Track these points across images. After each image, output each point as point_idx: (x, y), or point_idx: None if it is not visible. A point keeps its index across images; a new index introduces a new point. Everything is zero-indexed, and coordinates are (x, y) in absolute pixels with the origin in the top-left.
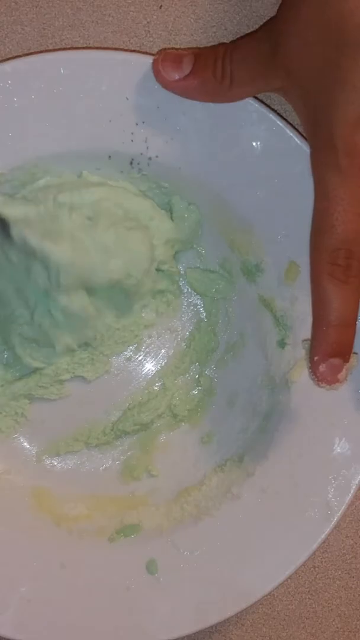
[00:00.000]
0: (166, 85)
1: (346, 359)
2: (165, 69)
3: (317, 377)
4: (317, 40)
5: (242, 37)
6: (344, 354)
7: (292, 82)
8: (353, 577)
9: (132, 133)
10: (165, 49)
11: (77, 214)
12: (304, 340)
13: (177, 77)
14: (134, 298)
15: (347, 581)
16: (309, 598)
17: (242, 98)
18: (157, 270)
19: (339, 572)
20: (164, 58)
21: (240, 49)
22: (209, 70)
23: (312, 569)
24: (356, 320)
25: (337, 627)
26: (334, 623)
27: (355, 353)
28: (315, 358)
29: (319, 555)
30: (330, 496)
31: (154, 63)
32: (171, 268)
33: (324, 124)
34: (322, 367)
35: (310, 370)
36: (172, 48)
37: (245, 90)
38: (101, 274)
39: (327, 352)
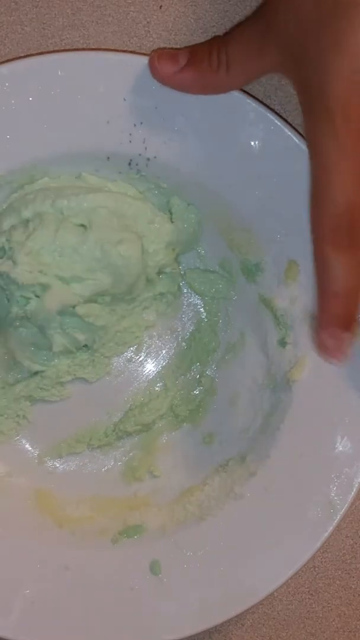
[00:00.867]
0: (163, 80)
1: (351, 330)
2: (161, 64)
3: (324, 351)
4: (311, 8)
5: (235, 26)
6: (349, 324)
7: (287, 54)
8: (353, 577)
9: (130, 134)
10: (161, 48)
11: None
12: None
13: (173, 70)
14: (131, 302)
15: (347, 581)
16: (309, 598)
17: (240, 85)
18: (160, 273)
19: (339, 572)
20: (160, 55)
21: (234, 35)
22: (205, 61)
23: (312, 569)
24: None
25: (337, 627)
26: (334, 623)
27: None
28: (321, 330)
29: (319, 555)
30: (333, 495)
31: (150, 60)
32: (174, 270)
33: (320, 90)
34: (329, 341)
35: (316, 343)
36: (171, 48)
37: (242, 75)
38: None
39: (332, 324)
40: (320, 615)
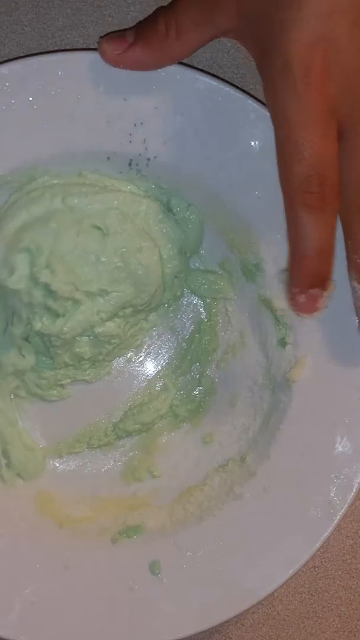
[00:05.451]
0: (115, 61)
1: (325, 288)
2: (110, 45)
3: (297, 309)
4: None
5: None
6: (323, 283)
7: (242, 19)
8: (353, 577)
9: (130, 134)
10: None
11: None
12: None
13: (123, 48)
14: (147, 312)
15: (347, 581)
16: (309, 598)
17: (193, 49)
18: (175, 277)
19: (339, 572)
20: (107, 37)
21: (181, 0)
22: (152, 30)
23: (312, 569)
24: (334, 247)
25: (337, 627)
26: (334, 623)
27: (332, 280)
28: (295, 290)
29: (319, 555)
30: (333, 495)
31: (99, 45)
32: (186, 275)
33: (279, 50)
34: (301, 299)
35: (289, 301)
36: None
37: (194, 38)
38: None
39: (306, 284)
40: (320, 615)
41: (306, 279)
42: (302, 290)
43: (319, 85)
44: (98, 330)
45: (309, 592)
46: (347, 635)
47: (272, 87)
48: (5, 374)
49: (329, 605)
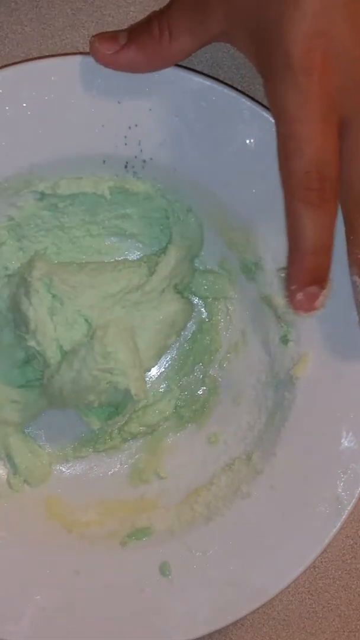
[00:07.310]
0: (106, 61)
1: (323, 286)
2: (102, 45)
3: (295, 306)
4: None
5: None
6: (321, 281)
7: (232, 20)
8: (353, 577)
9: (125, 136)
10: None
11: None
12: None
13: (115, 49)
14: None
15: (347, 581)
16: (309, 598)
17: (187, 54)
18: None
19: (339, 572)
20: (100, 37)
21: (173, 3)
22: (145, 33)
23: (312, 569)
24: (332, 245)
25: (337, 627)
26: (334, 623)
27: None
28: (293, 287)
29: (319, 555)
30: (340, 490)
31: (91, 44)
32: (190, 279)
33: (277, 48)
34: (299, 296)
35: (287, 299)
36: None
37: (186, 42)
38: None
39: (304, 281)
40: (320, 615)
41: (304, 276)
42: (300, 288)
43: (320, 80)
44: None
45: (309, 592)
46: (347, 635)
47: (273, 84)
48: None
49: (329, 605)
